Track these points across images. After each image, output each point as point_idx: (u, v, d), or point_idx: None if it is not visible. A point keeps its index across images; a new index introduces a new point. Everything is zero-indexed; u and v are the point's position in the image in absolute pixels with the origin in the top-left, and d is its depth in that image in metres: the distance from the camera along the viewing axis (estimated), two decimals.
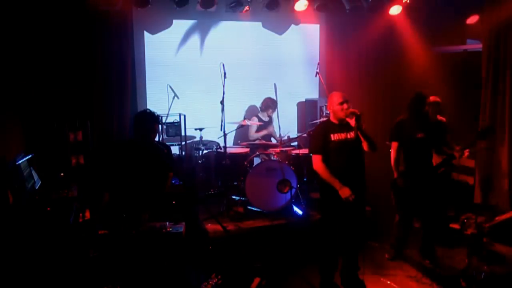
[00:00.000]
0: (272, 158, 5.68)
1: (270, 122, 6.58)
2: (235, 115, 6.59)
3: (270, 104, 6.40)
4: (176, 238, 3.49)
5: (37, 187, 4.27)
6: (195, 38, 6.64)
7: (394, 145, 4.39)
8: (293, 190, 5.29)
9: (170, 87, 5.96)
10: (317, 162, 3.74)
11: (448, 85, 6.05)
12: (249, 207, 5.44)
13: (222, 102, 5.42)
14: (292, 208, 5.40)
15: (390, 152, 4.45)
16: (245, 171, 5.50)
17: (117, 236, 3.44)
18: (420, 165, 4.35)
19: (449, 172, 5.48)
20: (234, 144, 6.78)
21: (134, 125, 3.91)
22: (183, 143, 5.98)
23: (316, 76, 5.85)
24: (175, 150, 5.88)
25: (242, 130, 6.54)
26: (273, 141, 6.48)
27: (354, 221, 3.79)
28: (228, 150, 5.75)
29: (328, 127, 3.79)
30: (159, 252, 3.44)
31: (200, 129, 6.04)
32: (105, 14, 5.65)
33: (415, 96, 4.38)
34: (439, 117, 5.03)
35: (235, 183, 5.71)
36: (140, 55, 6.33)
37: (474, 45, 6.45)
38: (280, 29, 7.00)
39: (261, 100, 6.55)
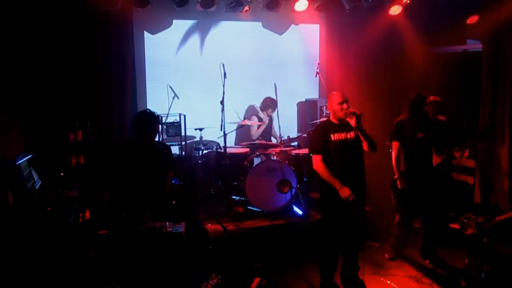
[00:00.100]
0: (272, 158, 5.68)
1: (270, 122, 6.58)
2: (235, 115, 6.61)
3: (269, 104, 6.40)
4: (176, 238, 3.48)
5: (37, 187, 4.27)
6: (195, 38, 6.63)
7: (395, 145, 4.39)
8: (293, 190, 5.30)
9: (170, 87, 5.96)
10: (317, 162, 3.74)
11: (448, 85, 6.05)
12: (249, 207, 5.45)
13: (222, 102, 5.42)
14: (292, 208, 5.40)
15: (390, 152, 4.45)
16: (245, 171, 5.50)
17: (117, 236, 3.44)
18: (420, 165, 4.35)
19: (449, 172, 5.48)
20: (235, 144, 6.77)
21: (134, 125, 3.92)
22: (183, 143, 5.97)
23: (316, 76, 5.86)
24: (175, 150, 5.88)
25: (242, 130, 6.54)
26: (273, 140, 6.49)
27: (354, 221, 3.79)
28: (228, 150, 5.75)
29: (328, 127, 3.79)
30: (159, 252, 3.43)
31: (200, 129, 6.04)
32: (105, 14, 5.66)
33: (415, 96, 4.37)
34: (439, 117, 5.03)
35: (235, 183, 5.71)
36: (140, 55, 6.33)
37: (474, 45, 6.44)
38: (280, 29, 7.00)
39: (261, 100, 6.55)
